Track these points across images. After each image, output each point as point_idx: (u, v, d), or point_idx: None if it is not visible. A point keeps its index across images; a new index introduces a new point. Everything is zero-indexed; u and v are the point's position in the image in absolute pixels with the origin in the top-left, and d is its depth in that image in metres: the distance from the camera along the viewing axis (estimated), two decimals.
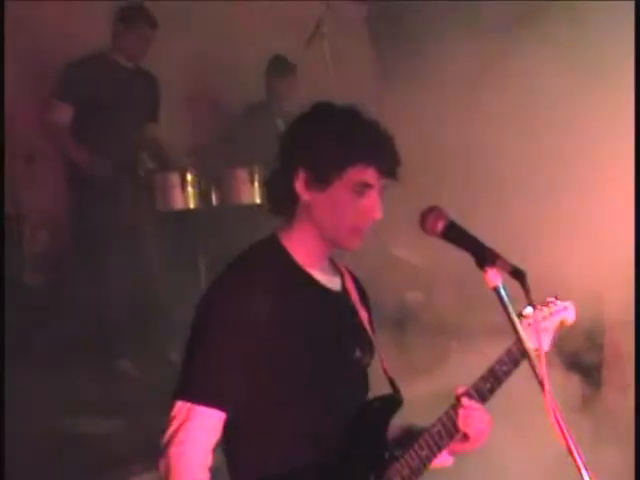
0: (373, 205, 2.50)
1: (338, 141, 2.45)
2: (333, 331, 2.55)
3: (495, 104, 5.25)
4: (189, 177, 5.78)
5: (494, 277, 2.33)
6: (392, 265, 6.40)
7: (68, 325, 5.63)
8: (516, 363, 2.62)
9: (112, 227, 5.74)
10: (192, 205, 5.79)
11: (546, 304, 2.81)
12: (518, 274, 2.34)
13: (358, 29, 7.91)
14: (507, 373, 2.62)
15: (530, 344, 2.34)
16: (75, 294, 5.82)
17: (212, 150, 6.46)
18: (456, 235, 2.43)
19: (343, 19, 6.37)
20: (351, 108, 2.53)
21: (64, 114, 5.90)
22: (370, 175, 2.47)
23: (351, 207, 2.48)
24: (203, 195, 5.82)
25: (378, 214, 2.51)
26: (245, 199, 5.83)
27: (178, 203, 5.76)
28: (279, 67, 6.96)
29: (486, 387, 2.59)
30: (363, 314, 2.67)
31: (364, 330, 2.66)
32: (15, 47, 5.97)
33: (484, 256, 2.35)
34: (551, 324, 2.80)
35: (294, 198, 2.50)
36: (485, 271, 2.37)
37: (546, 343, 2.76)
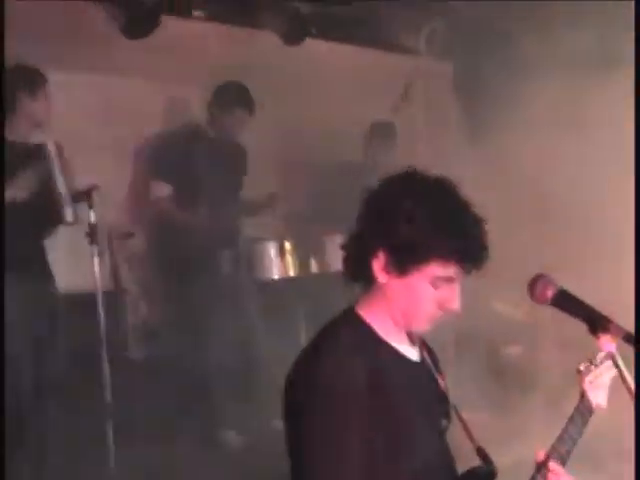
0: (452, 297, 2.48)
1: (425, 232, 2.39)
2: (423, 403, 2.55)
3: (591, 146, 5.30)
4: (287, 246, 5.88)
5: (607, 344, 2.37)
6: (493, 319, 6.43)
7: (170, 394, 5.74)
8: (586, 421, 2.61)
9: (212, 296, 5.86)
10: (292, 273, 5.88)
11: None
12: (631, 339, 2.37)
13: (444, 88, 7.99)
14: (580, 433, 2.59)
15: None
16: (177, 364, 5.95)
17: (309, 217, 6.58)
18: (566, 302, 2.46)
19: (430, 80, 6.43)
20: (444, 184, 2.47)
21: (164, 191, 6.11)
22: (452, 270, 2.44)
23: (428, 298, 2.46)
24: (302, 263, 5.91)
25: (456, 306, 2.48)
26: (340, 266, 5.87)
27: (277, 271, 5.86)
28: (382, 131, 7.04)
29: (564, 449, 2.54)
30: (442, 382, 2.67)
31: (446, 398, 2.66)
32: (111, 133, 6.26)
33: (597, 323, 2.39)
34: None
35: (370, 273, 2.48)
36: (598, 337, 2.42)
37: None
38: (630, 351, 2.37)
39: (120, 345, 5.96)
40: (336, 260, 5.89)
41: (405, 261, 2.42)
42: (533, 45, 6.23)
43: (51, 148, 5.20)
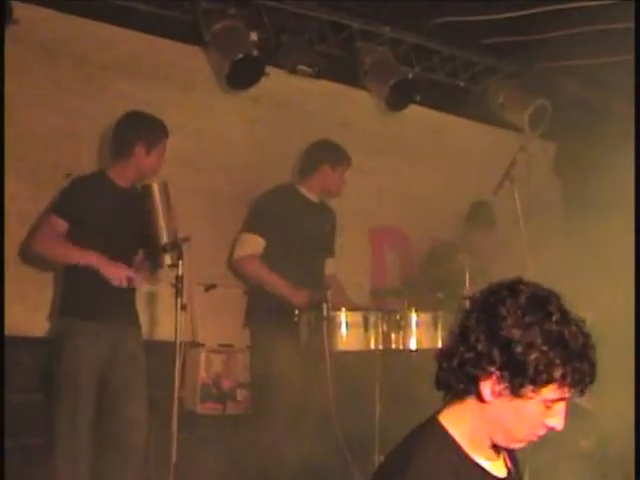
0: (559, 416, 2.45)
1: (548, 358, 2.36)
2: None
3: None
4: (372, 318, 5.90)
5: None
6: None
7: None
8: None
9: (288, 362, 5.88)
10: (372, 346, 5.90)
11: None
12: None
13: (546, 168, 8.00)
14: None
15: None
16: (249, 424, 6.00)
17: (396, 290, 6.60)
18: None
19: (533, 159, 6.44)
20: (555, 299, 2.45)
21: (257, 246, 6.20)
22: (566, 392, 2.42)
23: (537, 419, 2.44)
24: (385, 336, 5.92)
25: (561, 426, 2.45)
26: (426, 343, 5.91)
27: (359, 343, 5.88)
28: (481, 213, 7.07)
29: None
30: None
31: None
32: (204, 181, 6.38)
33: None
34: None
35: (471, 390, 2.46)
36: None
37: None
38: None
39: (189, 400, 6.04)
40: (418, 337, 5.98)
41: (523, 386, 2.39)
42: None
43: (156, 191, 5.34)
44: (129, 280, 5.26)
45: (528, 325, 2.38)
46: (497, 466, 2.59)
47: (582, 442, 6.58)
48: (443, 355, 2.51)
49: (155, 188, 5.37)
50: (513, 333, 2.38)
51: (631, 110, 6.01)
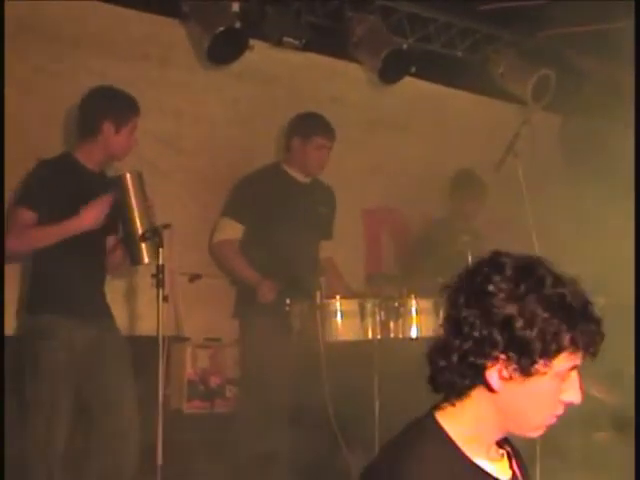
0: (575, 390, 2.34)
1: (555, 324, 2.26)
2: None
3: None
4: (368, 305, 5.78)
5: None
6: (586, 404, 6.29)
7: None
8: None
9: (280, 355, 5.77)
10: (369, 335, 5.78)
11: None
12: None
13: (551, 144, 7.89)
14: None
15: None
16: (240, 423, 5.88)
17: (394, 276, 6.48)
18: None
19: (537, 135, 6.32)
20: (546, 266, 2.32)
21: (234, 232, 6.08)
22: (578, 357, 2.31)
23: (553, 394, 2.32)
24: (383, 325, 5.79)
25: (579, 398, 2.35)
26: (426, 331, 5.78)
27: (355, 332, 5.76)
28: (467, 184, 7.03)
29: None
30: None
31: None
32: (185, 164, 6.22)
33: None
34: None
35: (477, 383, 2.33)
36: None
37: None
38: None
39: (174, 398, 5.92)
40: (418, 325, 5.86)
41: (533, 362, 2.27)
42: None
43: (129, 181, 5.17)
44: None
45: (523, 296, 2.26)
46: (500, 468, 2.46)
47: (596, 435, 6.51)
48: (438, 352, 2.36)
49: (128, 178, 5.18)
50: (509, 309, 2.26)
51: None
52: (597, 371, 6.35)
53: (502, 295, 2.27)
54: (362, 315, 5.74)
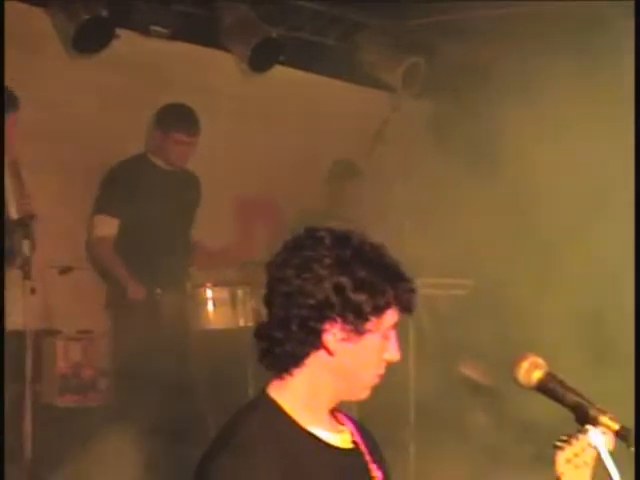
0: (394, 348, 2.54)
1: (375, 286, 2.45)
2: None
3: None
4: (240, 293, 5.83)
5: (596, 437, 2.34)
6: (458, 383, 6.48)
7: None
8: None
9: (154, 344, 5.78)
10: (242, 323, 5.83)
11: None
12: (624, 436, 2.34)
13: (422, 128, 8.01)
14: None
15: None
16: (114, 415, 5.87)
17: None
18: (554, 388, 2.43)
19: (409, 122, 6.44)
20: (360, 235, 2.52)
21: (110, 228, 6.10)
22: (397, 316, 2.51)
23: (379, 353, 2.51)
24: (256, 312, 5.84)
25: (399, 355, 2.55)
26: None
27: (227, 321, 5.80)
28: (343, 171, 7.13)
29: None
30: (377, 472, 2.62)
31: None
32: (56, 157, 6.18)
33: (586, 414, 2.36)
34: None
35: (312, 351, 2.47)
36: (586, 430, 2.38)
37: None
38: None
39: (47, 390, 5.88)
40: None
41: (366, 320, 2.45)
42: (515, 78, 6.31)
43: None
44: None
45: (348, 262, 2.45)
46: (341, 438, 2.58)
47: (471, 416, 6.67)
48: (274, 327, 2.47)
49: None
50: (338, 274, 2.44)
51: (519, 68, 6.09)
52: (470, 353, 6.56)
53: (329, 262, 2.44)
54: (233, 303, 5.80)
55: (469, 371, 6.53)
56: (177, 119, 6.22)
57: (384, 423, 5.68)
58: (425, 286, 6.47)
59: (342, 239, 2.49)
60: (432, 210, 6.76)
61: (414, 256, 5.67)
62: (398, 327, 2.54)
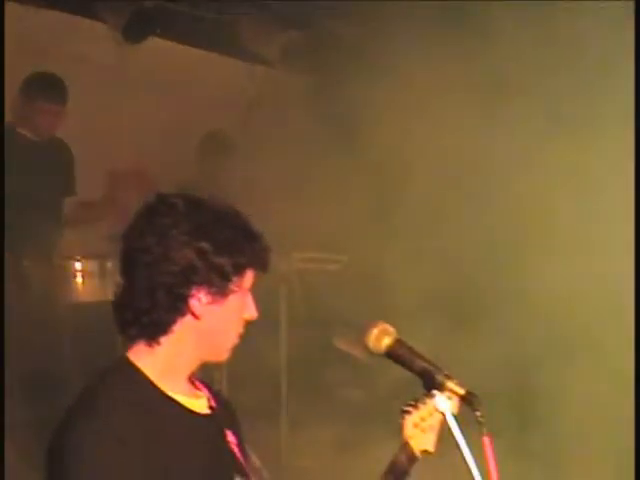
0: (252, 307, 2.62)
1: (235, 246, 2.51)
2: (208, 460, 2.56)
3: None
4: (109, 266, 5.79)
5: (442, 402, 2.42)
6: (334, 358, 6.58)
7: None
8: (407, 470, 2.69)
9: (22, 318, 5.71)
10: (111, 296, 5.78)
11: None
12: (470, 400, 2.42)
13: (299, 103, 8.04)
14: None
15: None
16: None
17: None
18: (402, 355, 2.51)
19: (283, 94, 6.48)
20: (213, 199, 2.57)
21: None
22: (253, 276, 2.60)
23: (239, 314, 2.58)
24: None
25: (255, 313, 2.63)
26: None
27: (96, 294, 5.76)
28: (215, 143, 7.14)
29: None
30: (231, 438, 2.69)
31: (235, 455, 2.68)
32: None
33: (433, 380, 2.44)
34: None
35: (178, 317, 2.50)
36: (432, 395, 2.47)
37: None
38: None
39: None
40: None
41: (229, 280, 2.51)
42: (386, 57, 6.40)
43: None
44: None
45: (204, 224, 2.49)
46: (199, 404, 2.62)
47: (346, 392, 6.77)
48: (137, 298, 2.49)
49: None
50: (198, 239, 2.47)
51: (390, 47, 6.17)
52: (340, 323, 6.66)
53: (187, 228, 2.47)
54: (103, 275, 5.76)
55: (344, 346, 6.64)
56: (42, 88, 6.14)
57: (255, 391, 5.79)
58: (299, 260, 6.58)
59: (195, 204, 2.53)
60: (305, 185, 6.82)
61: (288, 231, 5.76)
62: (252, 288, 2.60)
